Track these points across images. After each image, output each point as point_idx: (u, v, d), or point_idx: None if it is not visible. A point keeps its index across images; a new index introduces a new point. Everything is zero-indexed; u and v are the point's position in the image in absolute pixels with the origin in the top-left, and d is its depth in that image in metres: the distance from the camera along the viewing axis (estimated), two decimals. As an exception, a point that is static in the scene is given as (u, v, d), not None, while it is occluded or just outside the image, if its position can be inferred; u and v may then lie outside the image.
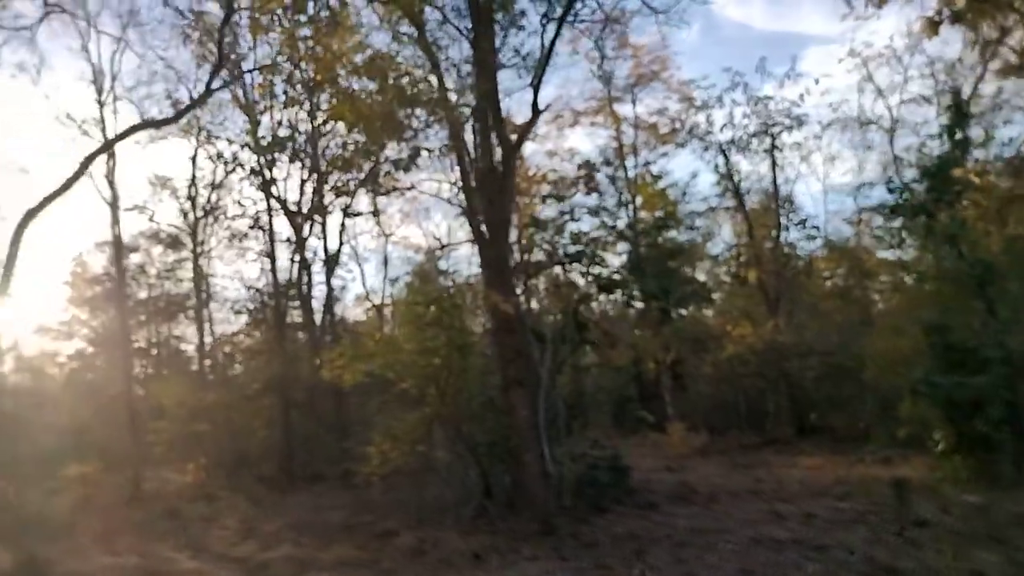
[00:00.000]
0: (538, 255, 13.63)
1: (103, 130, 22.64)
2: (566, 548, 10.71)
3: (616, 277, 12.64)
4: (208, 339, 32.38)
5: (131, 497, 21.14)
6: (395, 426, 11.86)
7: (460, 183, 13.69)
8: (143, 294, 41.74)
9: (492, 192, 12.50)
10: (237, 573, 11.41)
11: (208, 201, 30.21)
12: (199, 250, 30.17)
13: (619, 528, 11.38)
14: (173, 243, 36.67)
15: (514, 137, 13.02)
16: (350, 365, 11.83)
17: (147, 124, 14.95)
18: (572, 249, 12.45)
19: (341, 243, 25.52)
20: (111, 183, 22.65)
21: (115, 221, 23.05)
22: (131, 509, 19.25)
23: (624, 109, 29.62)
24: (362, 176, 25.15)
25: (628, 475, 13.03)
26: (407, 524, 13.31)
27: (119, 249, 24.30)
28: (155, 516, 17.70)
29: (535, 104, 12.66)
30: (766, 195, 30.36)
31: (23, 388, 40.80)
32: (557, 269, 14.12)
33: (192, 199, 30.04)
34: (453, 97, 15.43)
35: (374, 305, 34.31)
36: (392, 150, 24.86)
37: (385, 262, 33.47)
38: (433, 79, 14.85)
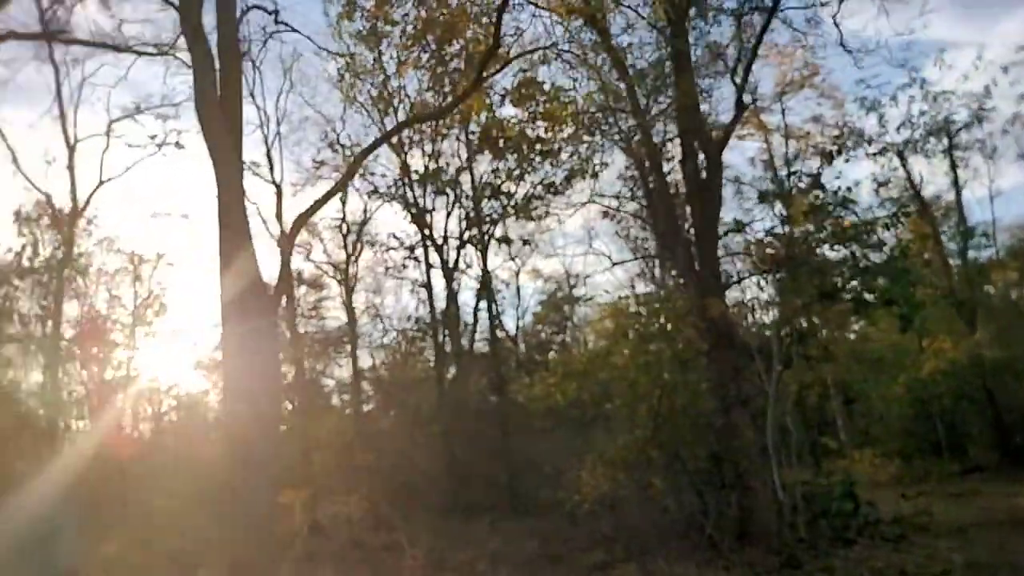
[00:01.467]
0: (732, 262, 12.66)
1: (271, 170, 23.63)
2: (823, 583, 9.57)
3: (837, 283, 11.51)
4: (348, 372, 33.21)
5: (310, 527, 21.43)
6: (609, 451, 11.08)
7: (653, 192, 12.96)
8: (288, 333, 43.35)
9: (698, 198, 11.69)
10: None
11: (358, 238, 31.09)
12: (351, 285, 30.93)
13: (878, 563, 10.08)
14: (315, 283, 38.06)
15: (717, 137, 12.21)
16: (561, 384, 11.22)
17: (426, 116, 14.10)
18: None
19: (487, 272, 25.28)
20: (280, 220, 23.48)
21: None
22: (313, 538, 19.40)
23: (772, 119, 28.24)
24: (513, 203, 25.11)
25: (872, 505, 11.68)
26: (616, 556, 12.49)
27: (291, 289, 25.12)
28: (339, 546, 17.71)
29: (739, 100, 11.84)
30: (927, 201, 28.08)
31: (188, 424, 43.27)
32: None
33: (344, 236, 30.97)
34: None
35: (507, 336, 34.05)
36: (543, 174, 24.90)
37: (518, 292, 33.24)
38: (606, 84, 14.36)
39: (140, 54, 14.26)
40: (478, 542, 16.41)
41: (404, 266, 25.77)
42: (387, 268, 27.17)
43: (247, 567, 5.67)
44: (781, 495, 11.06)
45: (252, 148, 28.19)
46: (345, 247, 31.54)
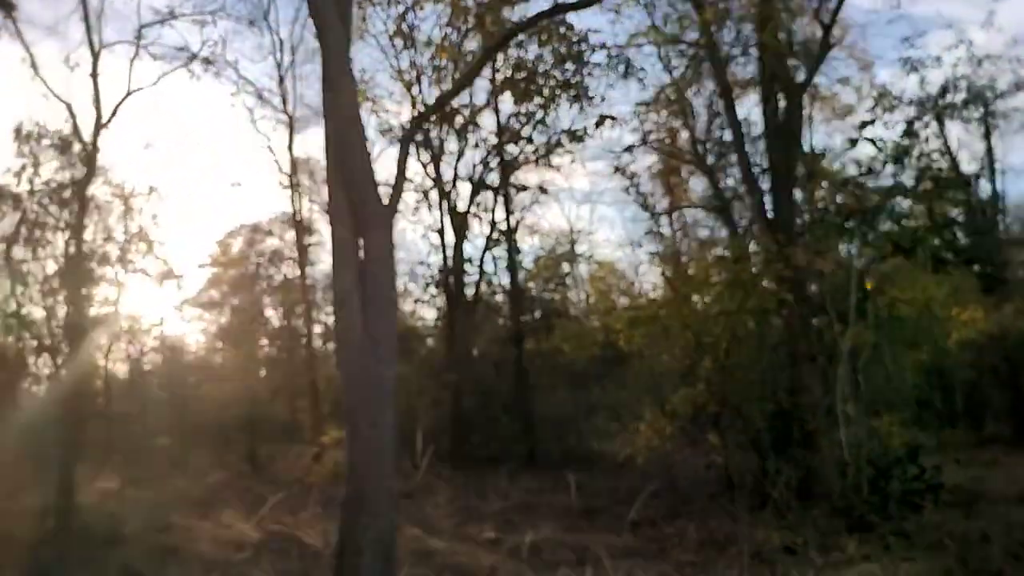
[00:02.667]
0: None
1: (284, 102, 22.46)
2: (901, 547, 9.14)
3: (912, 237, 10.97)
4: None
5: (311, 471, 20.84)
6: (671, 401, 10.52)
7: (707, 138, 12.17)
8: (279, 278, 42.23)
9: (777, 140, 10.97)
10: (506, 558, 10.36)
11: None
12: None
13: (957, 527, 9.70)
14: (309, 228, 36.91)
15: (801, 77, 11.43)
16: (627, 330, 10.59)
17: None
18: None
19: (509, 218, 24.36)
20: (291, 153, 22.38)
21: (295, 195, 22.83)
22: (321, 483, 18.78)
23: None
24: (534, 149, 24.14)
25: (938, 469, 11.31)
26: (661, 511, 12.07)
27: (300, 227, 24.12)
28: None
29: (826, 39, 11.06)
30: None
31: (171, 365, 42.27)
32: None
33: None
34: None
35: (506, 290, 33.42)
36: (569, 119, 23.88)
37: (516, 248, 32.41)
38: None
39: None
40: (500, 493, 15.94)
41: (416, 209, 24.76)
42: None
43: (371, 502, 5.00)
44: (848, 456, 10.63)
45: (263, 76, 26.77)
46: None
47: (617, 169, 26.52)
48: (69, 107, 13.28)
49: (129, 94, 13.66)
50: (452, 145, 25.87)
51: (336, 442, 17.12)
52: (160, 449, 25.62)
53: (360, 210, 5.25)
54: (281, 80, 22.80)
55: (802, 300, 10.73)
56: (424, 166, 25.29)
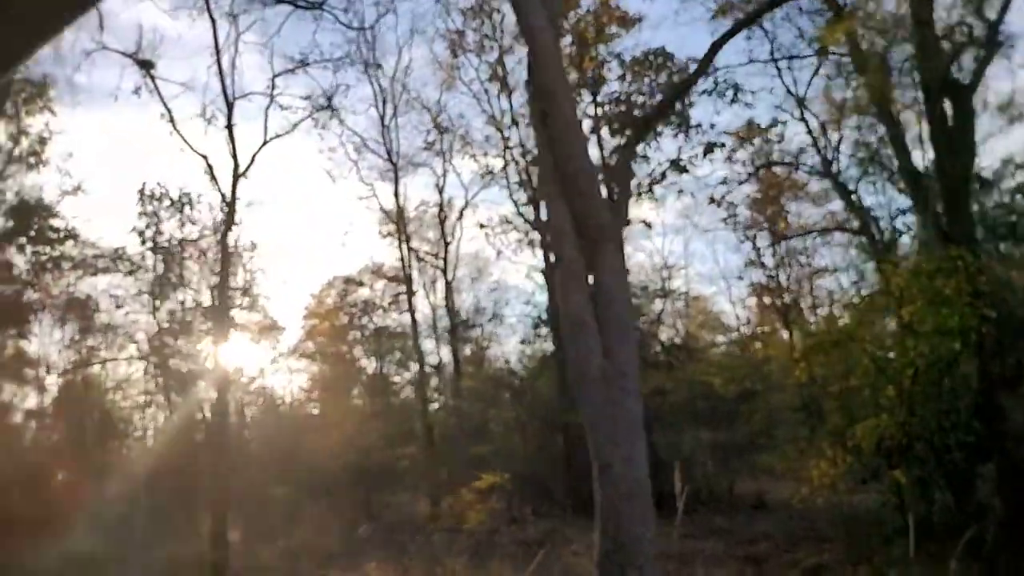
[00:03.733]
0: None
1: (388, 152, 22.76)
2: None
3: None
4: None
5: (430, 517, 20.40)
6: (853, 435, 9.59)
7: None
8: (371, 327, 42.61)
9: (945, 147, 10.11)
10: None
11: (453, 224, 30.23)
12: (449, 278, 30.10)
13: None
14: (396, 277, 37.20)
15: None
16: (807, 357, 9.77)
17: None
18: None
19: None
20: (397, 199, 22.55)
21: (404, 244, 22.92)
22: (439, 530, 18.26)
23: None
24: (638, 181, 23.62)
25: None
26: (832, 556, 11.00)
27: (409, 278, 24.20)
28: (476, 540, 16.47)
29: (993, 37, 10.22)
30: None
31: (274, 417, 42.91)
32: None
33: (442, 223, 30.09)
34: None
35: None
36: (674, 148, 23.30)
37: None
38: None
39: (296, 6, 13.44)
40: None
41: (519, 250, 24.56)
42: (499, 252, 26.00)
43: (634, 554, 4.45)
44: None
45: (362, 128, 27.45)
46: (443, 234, 30.66)
47: (712, 200, 25.75)
48: (206, 159, 13.64)
49: (266, 143, 13.93)
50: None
51: (488, 488, 16.59)
52: (271, 499, 25.66)
53: (587, 225, 4.82)
54: (384, 130, 23.16)
55: (992, 318, 9.70)
56: (517, 205, 25.23)
